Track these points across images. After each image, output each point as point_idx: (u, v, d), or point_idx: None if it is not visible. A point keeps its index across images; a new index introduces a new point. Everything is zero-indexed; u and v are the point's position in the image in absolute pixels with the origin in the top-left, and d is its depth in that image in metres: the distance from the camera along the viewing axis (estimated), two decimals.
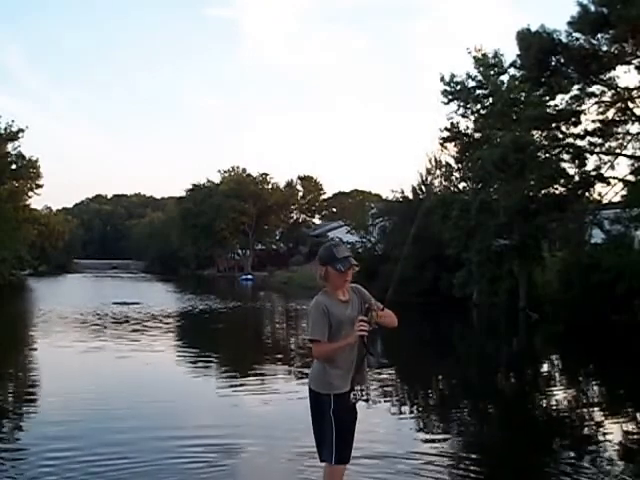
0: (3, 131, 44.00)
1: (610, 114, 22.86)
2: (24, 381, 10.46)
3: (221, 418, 7.98)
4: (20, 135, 44.54)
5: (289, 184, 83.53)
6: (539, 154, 23.76)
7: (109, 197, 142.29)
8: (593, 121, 22.93)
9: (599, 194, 23.90)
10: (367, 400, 4.12)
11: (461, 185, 31.63)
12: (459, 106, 28.46)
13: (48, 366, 11.69)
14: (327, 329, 3.74)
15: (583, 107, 22.92)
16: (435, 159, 34.10)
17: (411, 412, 8.64)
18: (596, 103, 22.76)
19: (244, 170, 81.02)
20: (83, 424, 7.36)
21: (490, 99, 27.25)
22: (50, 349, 13.76)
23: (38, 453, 6.11)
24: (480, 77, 27.69)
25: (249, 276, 64.03)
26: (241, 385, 10.23)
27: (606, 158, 23.14)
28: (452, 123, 29.30)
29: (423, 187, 35.23)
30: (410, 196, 35.60)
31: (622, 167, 23.74)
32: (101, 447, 6.27)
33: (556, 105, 23.49)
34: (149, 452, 6.16)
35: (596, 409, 9.24)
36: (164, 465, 5.76)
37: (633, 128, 22.77)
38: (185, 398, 9.19)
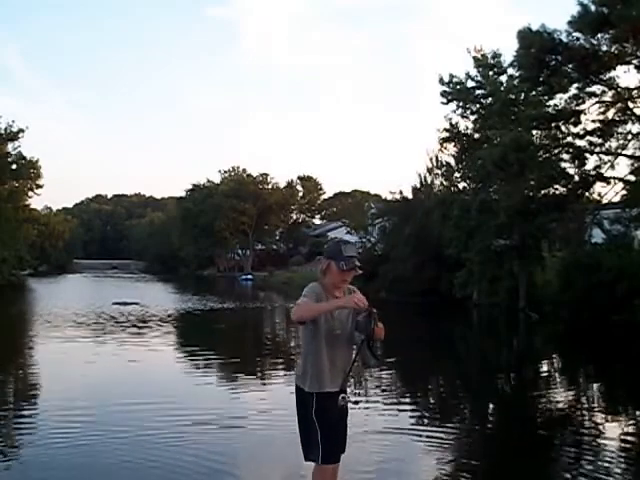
0: (3, 131, 44.03)
1: (610, 114, 22.85)
2: (28, 376, 10.51)
3: (220, 408, 8.17)
4: (20, 135, 44.62)
5: (289, 184, 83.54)
6: (539, 154, 23.75)
7: (109, 197, 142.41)
8: (593, 121, 22.94)
9: (599, 194, 23.92)
10: (356, 402, 4.12)
11: (461, 185, 31.63)
12: (458, 106, 28.46)
13: (49, 365, 11.66)
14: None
15: (583, 107, 22.92)
16: (435, 159, 34.16)
17: (411, 410, 8.61)
18: (596, 103, 22.76)
19: (244, 170, 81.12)
20: (87, 411, 7.69)
21: (489, 99, 27.24)
22: (51, 349, 13.74)
23: (48, 430, 6.79)
24: (479, 77, 27.69)
25: (249, 276, 63.97)
26: (240, 381, 10.26)
27: (606, 158, 23.12)
28: (452, 123, 29.31)
29: (423, 187, 35.28)
30: (410, 196, 35.64)
31: (622, 167, 23.74)
32: (107, 426, 6.89)
33: (556, 105, 23.48)
34: (150, 428, 6.85)
35: (596, 409, 9.24)
36: (163, 442, 6.42)
37: (633, 128, 22.76)
38: (185, 392, 9.23)
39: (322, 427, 3.70)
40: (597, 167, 23.25)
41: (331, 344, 3.75)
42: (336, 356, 3.76)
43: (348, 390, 3.91)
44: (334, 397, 3.74)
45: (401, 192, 35.74)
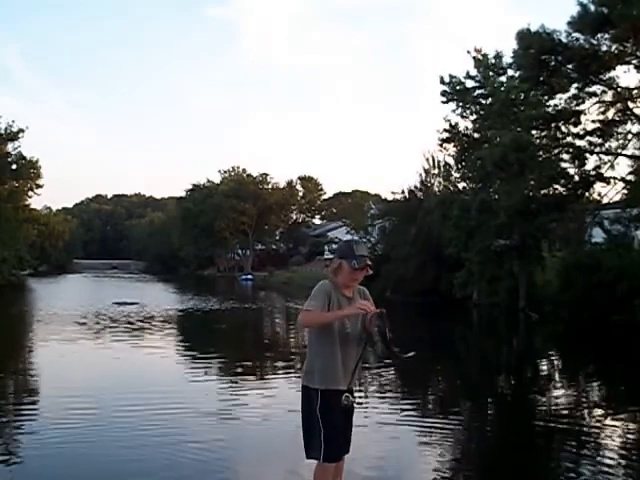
0: (3, 131, 44.06)
1: (610, 114, 22.87)
2: (28, 376, 10.50)
3: (221, 405, 8.25)
4: (20, 135, 44.68)
5: (289, 184, 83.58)
6: (539, 154, 23.76)
7: (109, 197, 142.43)
8: (593, 121, 22.97)
9: (599, 194, 23.93)
10: (357, 403, 4.11)
11: (461, 185, 31.64)
12: (458, 106, 28.47)
13: (49, 365, 11.64)
14: (325, 309, 3.71)
15: (583, 107, 22.97)
16: (433, 159, 34.19)
17: (411, 408, 8.61)
18: (596, 103, 22.78)
19: (244, 170, 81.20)
20: (88, 410, 7.67)
21: (489, 99, 27.25)
22: (51, 349, 13.73)
23: (49, 426, 6.89)
24: (479, 77, 27.69)
25: (249, 276, 63.98)
26: (242, 379, 10.26)
27: (606, 158, 23.14)
28: (451, 124, 29.32)
29: (422, 188, 35.29)
30: (409, 197, 35.64)
31: (622, 167, 23.75)
32: (107, 422, 7.04)
33: (556, 105, 23.50)
34: (151, 424, 6.96)
35: (596, 409, 9.23)
36: (163, 438, 6.52)
37: (633, 128, 22.78)
38: (186, 389, 9.25)
39: (325, 425, 3.71)
40: (597, 167, 23.28)
41: (342, 343, 3.78)
42: (347, 354, 3.79)
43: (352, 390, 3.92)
44: (340, 395, 3.76)
45: (403, 192, 35.77)
